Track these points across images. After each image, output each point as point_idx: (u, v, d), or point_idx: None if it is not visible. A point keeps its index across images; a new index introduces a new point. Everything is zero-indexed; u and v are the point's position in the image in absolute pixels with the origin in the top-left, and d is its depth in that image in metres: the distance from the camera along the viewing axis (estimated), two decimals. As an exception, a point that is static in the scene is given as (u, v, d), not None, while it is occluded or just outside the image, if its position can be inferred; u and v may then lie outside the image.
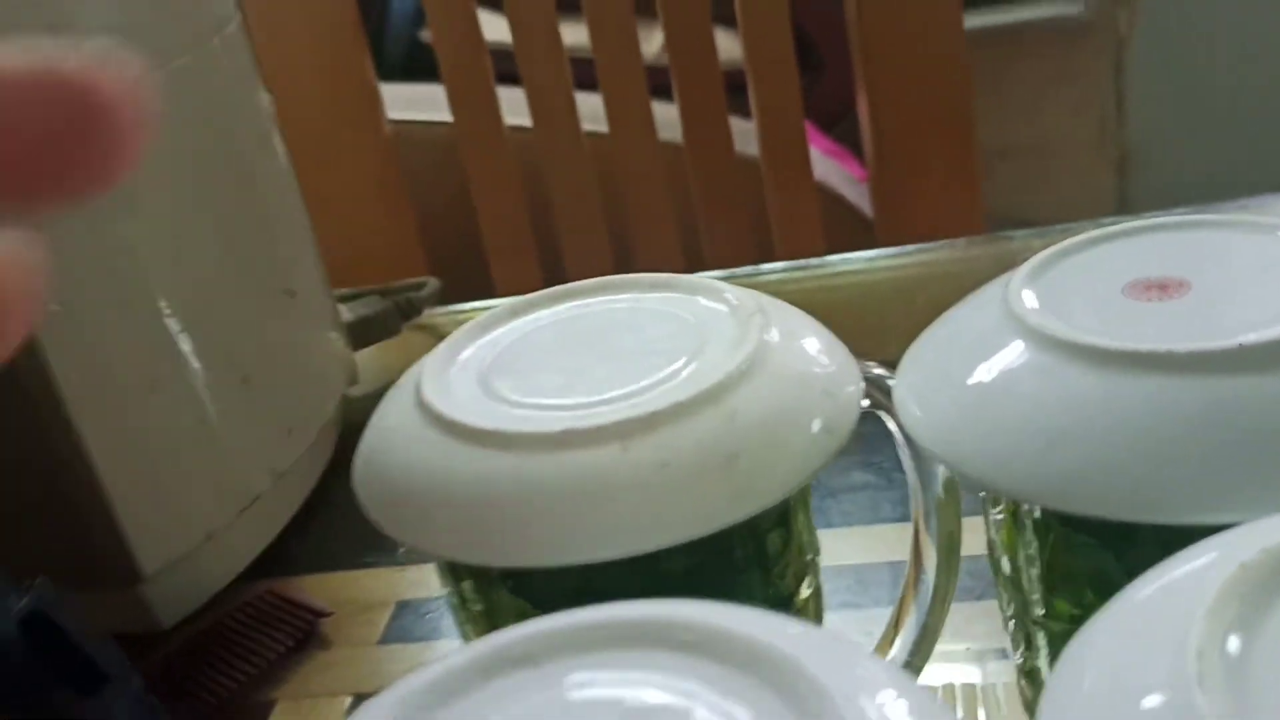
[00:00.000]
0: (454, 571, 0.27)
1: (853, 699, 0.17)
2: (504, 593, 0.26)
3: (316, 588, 0.46)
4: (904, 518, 0.44)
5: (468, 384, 0.27)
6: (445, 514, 0.25)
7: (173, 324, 0.42)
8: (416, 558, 0.47)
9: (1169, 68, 1.24)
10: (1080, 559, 0.24)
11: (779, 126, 0.74)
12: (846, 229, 0.85)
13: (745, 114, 0.79)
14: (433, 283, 0.63)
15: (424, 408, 0.26)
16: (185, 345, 0.43)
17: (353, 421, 0.56)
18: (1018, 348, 0.24)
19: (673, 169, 0.76)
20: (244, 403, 0.45)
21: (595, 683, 0.18)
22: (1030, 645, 0.26)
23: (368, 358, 0.59)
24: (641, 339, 0.28)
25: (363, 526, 0.49)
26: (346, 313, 0.58)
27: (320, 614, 0.44)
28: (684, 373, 0.26)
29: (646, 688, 0.18)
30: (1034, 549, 0.25)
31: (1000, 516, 0.26)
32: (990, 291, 0.27)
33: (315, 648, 0.43)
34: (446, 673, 0.19)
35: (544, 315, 0.29)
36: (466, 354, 0.28)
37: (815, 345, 0.28)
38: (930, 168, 0.75)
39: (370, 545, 0.48)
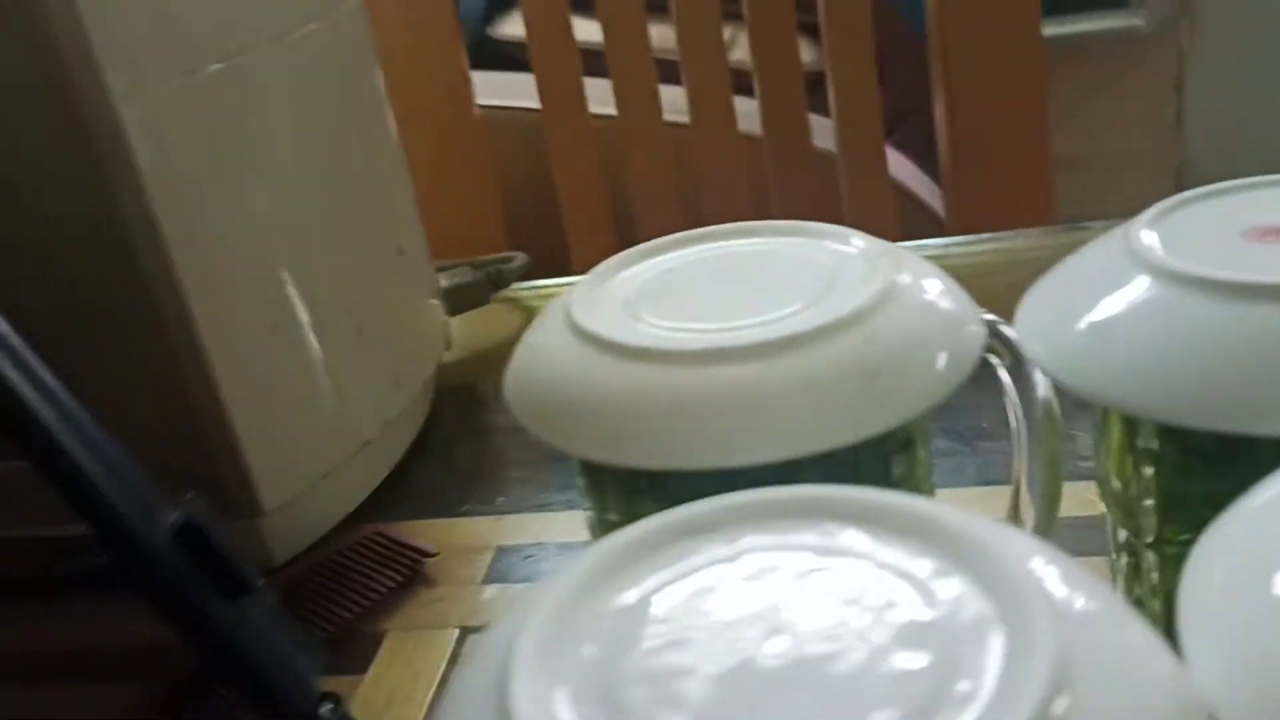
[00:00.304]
0: (598, 482, 0.29)
1: (1020, 560, 0.19)
2: (647, 500, 0.28)
3: (419, 533, 0.48)
4: (986, 481, 0.46)
5: (614, 310, 0.29)
6: (598, 421, 0.27)
7: (297, 275, 0.45)
8: (514, 506, 0.49)
9: (1228, 80, 1.25)
10: (1195, 482, 0.25)
11: (857, 123, 0.76)
12: (920, 226, 0.87)
13: (822, 112, 0.81)
14: (520, 257, 0.66)
15: (575, 328, 0.28)
16: (308, 296, 0.45)
17: (445, 385, 0.59)
18: (1142, 283, 0.26)
19: (751, 159, 0.78)
20: (357, 351, 0.48)
21: (774, 546, 0.20)
22: (1138, 573, 0.28)
23: (457, 326, 0.61)
24: (778, 275, 0.30)
25: (460, 478, 0.52)
26: (442, 280, 0.61)
27: (426, 554, 0.46)
28: (821, 303, 0.28)
29: (824, 553, 0.20)
30: (1150, 474, 0.26)
31: (1107, 449, 0.28)
32: (1108, 240, 0.28)
33: (420, 586, 0.45)
34: (636, 537, 0.21)
35: (681, 254, 0.31)
36: (610, 286, 0.31)
37: (939, 286, 0.29)
38: (1004, 169, 0.77)
39: (468, 495, 0.50)
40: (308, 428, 0.46)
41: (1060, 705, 0.16)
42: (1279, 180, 0.28)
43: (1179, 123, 1.26)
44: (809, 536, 0.20)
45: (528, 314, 0.64)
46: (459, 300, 0.61)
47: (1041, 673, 0.16)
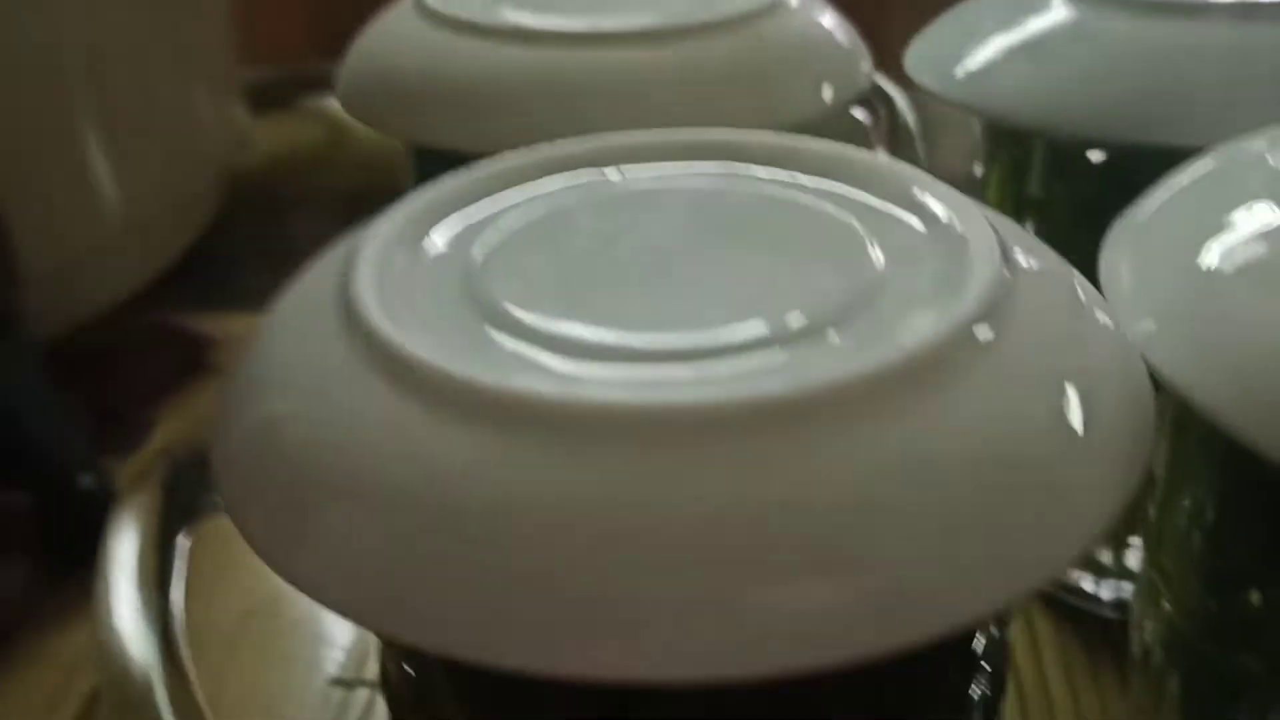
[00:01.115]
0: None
1: (923, 185, 0.17)
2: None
3: (208, 325, 0.43)
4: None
5: (473, 1, 0.26)
6: (451, 102, 0.24)
7: (74, 46, 0.39)
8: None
9: None
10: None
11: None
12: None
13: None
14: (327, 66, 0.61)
15: (429, 13, 0.25)
16: (85, 67, 0.40)
17: (243, 187, 0.54)
18: (1050, 5, 0.24)
19: None
20: (136, 129, 0.43)
21: (673, 174, 0.18)
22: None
23: (261, 129, 0.56)
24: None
25: (253, 273, 0.47)
26: (245, 77, 0.55)
27: (209, 340, 0.41)
28: (709, 6, 0.25)
29: (732, 178, 0.17)
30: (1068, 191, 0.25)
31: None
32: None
33: (206, 377, 0.41)
34: (499, 167, 0.18)
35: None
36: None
37: (830, 17, 0.27)
38: None
39: (261, 290, 0.46)
40: (76, 198, 0.40)
41: (984, 333, 0.14)
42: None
43: None
44: (712, 167, 0.18)
45: (337, 124, 0.59)
46: (262, 99, 0.56)
47: (974, 296, 0.14)
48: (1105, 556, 0.27)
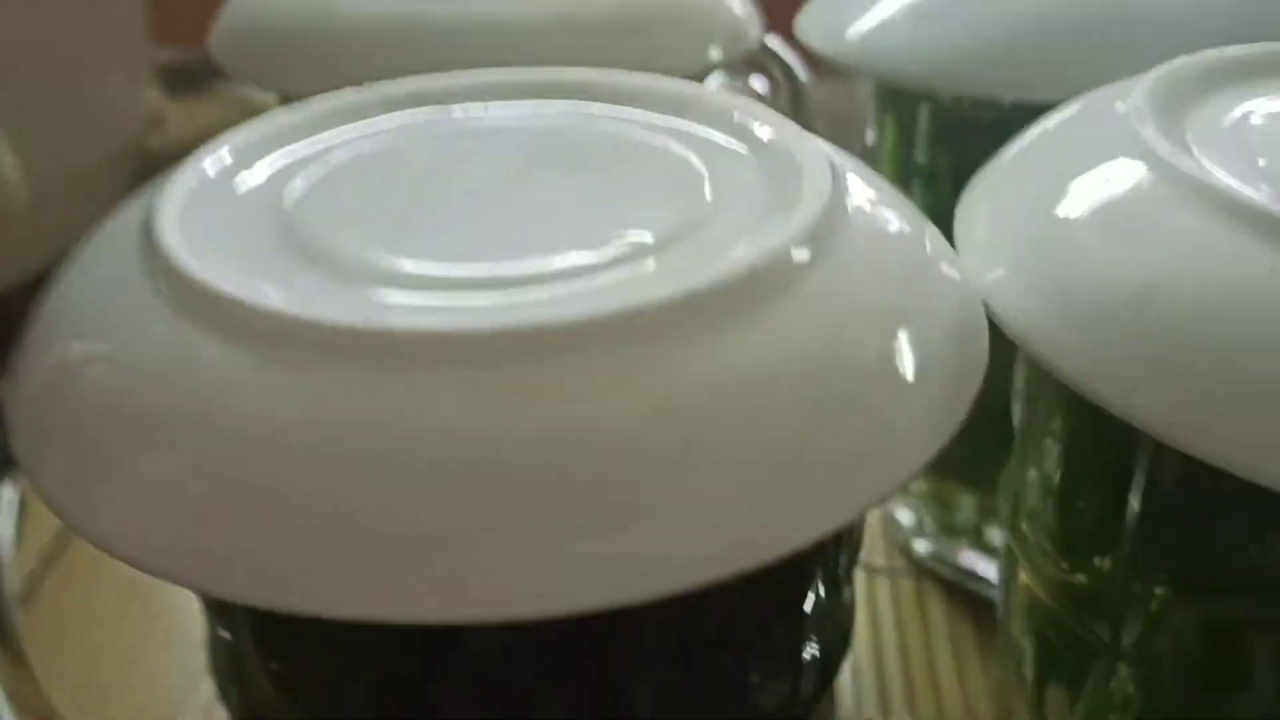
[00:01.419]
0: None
1: (769, 124, 0.16)
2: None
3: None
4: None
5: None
6: (329, 56, 0.23)
7: None
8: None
9: None
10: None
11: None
12: None
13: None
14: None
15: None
16: None
17: (153, 176, 0.53)
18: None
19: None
20: (48, 99, 0.42)
21: (507, 112, 0.17)
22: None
23: (176, 112, 0.55)
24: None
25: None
26: (161, 57, 0.54)
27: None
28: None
29: (574, 116, 0.17)
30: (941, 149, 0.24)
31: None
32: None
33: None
34: (342, 103, 0.17)
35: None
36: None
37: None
38: None
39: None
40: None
41: (803, 257, 0.13)
42: None
43: None
44: (561, 106, 0.17)
45: (253, 108, 0.58)
46: (178, 81, 0.55)
47: (795, 224, 0.13)
48: (996, 538, 0.27)
